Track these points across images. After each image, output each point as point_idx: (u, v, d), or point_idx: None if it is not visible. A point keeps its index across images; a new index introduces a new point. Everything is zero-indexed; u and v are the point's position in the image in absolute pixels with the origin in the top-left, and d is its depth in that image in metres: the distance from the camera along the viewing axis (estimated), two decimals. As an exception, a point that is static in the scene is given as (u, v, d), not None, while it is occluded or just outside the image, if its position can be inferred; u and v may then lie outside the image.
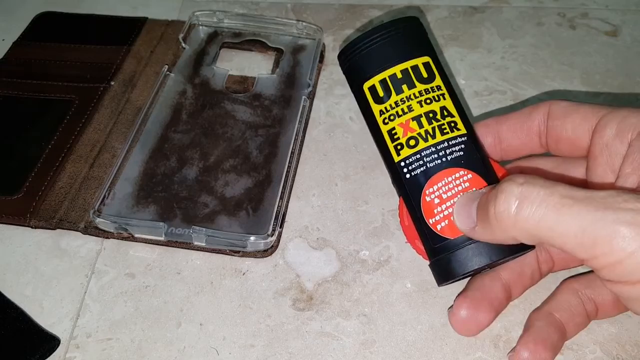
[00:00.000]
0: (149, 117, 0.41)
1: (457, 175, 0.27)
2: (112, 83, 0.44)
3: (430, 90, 0.28)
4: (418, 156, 0.28)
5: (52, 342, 0.31)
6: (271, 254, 0.35)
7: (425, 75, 0.28)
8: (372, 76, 0.29)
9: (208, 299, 0.33)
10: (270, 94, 0.43)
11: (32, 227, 0.36)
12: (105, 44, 0.47)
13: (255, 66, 0.46)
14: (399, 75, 0.28)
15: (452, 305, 0.30)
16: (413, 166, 0.28)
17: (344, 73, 0.31)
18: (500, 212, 0.22)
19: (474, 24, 0.50)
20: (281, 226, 0.35)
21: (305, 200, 0.37)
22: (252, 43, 0.47)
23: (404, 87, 0.28)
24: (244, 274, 0.34)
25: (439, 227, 0.27)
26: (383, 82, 0.29)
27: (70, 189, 0.37)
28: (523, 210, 0.21)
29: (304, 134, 0.41)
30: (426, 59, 0.29)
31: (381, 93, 0.29)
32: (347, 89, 0.44)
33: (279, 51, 0.47)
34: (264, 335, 0.31)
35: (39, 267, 0.34)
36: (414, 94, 0.28)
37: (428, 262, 0.29)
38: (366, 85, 0.29)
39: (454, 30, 0.49)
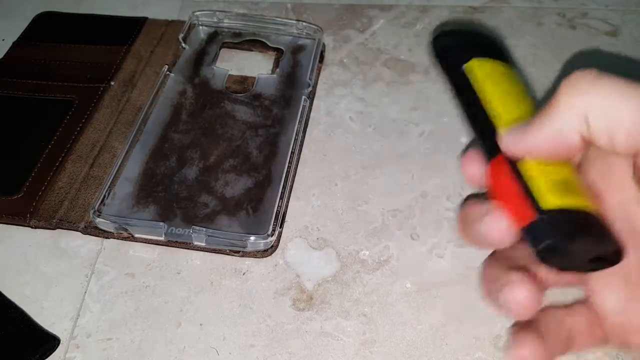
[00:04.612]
0: (149, 117, 0.41)
1: None
2: (112, 83, 0.44)
3: None
4: None
5: (52, 342, 0.31)
6: (271, 254, 0.34)
7: None
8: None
9: (208, 299, 0.33)
10: (270, 94, 0.43)
11: (32, 227, 0.36)
12: (105, 44, 0.47)
13: (255, 66, 0.46)
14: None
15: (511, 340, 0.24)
16: None
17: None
18: (566, 84, 0.21)
19: (474, 24, 0.50)
20: (281, 226, 0.35)
21: (305, 200, 0.37)
22: (252, 43, 0.47)
23: None
24: (244, 274, 0.34)
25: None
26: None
27: (70, 189, 0.37)
28: (587, 87, 0.21)
29: (304, 134, 0.41)
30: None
31: None
32: (347, 89, 0.45)
33: (279, 51, 0.47)
34: (264, 335, 0.31)
35: (39, 267, 0.34)
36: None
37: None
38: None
39: (454, 30, 0.49)
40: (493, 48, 0.29)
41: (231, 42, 0.47)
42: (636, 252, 0.21)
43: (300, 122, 0.40)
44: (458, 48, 0.30)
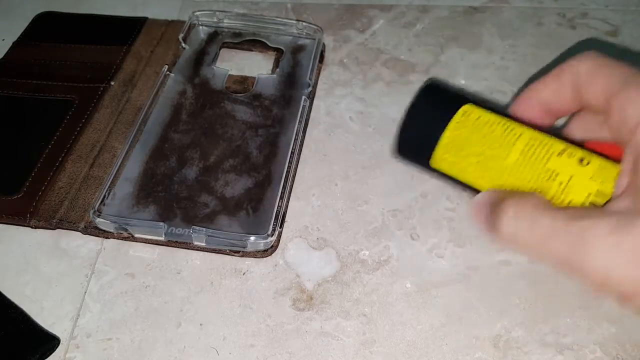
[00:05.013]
0: (149, 117, 0.41)
1: None
2: (112, 83, 0.44)
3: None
4: None
5: (52, 342, 0.31)
6: (271, 254, 0.35)
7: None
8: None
9: (208, 299, 0.33)
10: (270, 94, 0.43)
11: (32, 227, 0.36)
12: (105, 44, 0.47)
13: (255, 66, 0.46)
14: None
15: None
16: None
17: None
18: (504, 234, 0.22)
19: (474, 24, 0.50)
20: (281, 226, 0.35)
21: (305, 200, 0.37)
22: (252, 43, 0.47)
23: None
24: (244, 274, 0.34)
25: None
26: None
27: (70, 189, 0.37)
28: (519, 234, 0.21)
29: (304, 134, 0.41)
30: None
31: None
32: (347, 89, 0.45)
33: (279, 51, 0.47)
34: (264, 335, 0.31)
35: (39, 267, 0.34)
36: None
37: None
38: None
39: (454, 30, 0.49)
40: (443, 115, 0.25)
41: (231, 42, 0.47)
42: None
43: (300, 122, 0.40)
44: (415, 148, 0.26)
